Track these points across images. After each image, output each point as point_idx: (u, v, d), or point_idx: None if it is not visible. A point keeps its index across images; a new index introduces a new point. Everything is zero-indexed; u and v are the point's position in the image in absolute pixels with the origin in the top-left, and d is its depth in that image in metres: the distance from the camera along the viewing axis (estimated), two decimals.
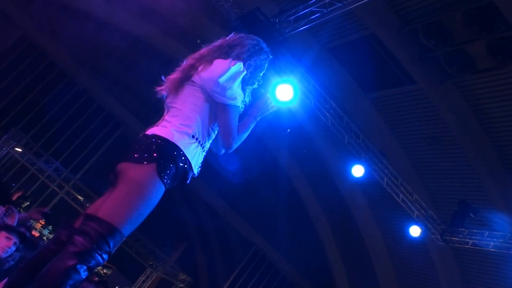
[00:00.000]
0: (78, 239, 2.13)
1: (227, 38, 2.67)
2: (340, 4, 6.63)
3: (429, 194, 10.19)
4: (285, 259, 14.51)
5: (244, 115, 2.70)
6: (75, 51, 13.07)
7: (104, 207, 2.24)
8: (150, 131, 2.42)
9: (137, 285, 14.16)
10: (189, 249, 16.62)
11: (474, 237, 8.73)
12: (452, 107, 8.79)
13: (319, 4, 6.82)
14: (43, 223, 11.32)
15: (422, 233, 9.27)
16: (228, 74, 2.45)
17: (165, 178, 2.28)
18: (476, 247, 8.82)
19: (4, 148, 11.99)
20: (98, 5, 11.27)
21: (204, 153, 2.55)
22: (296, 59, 7.72)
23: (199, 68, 2.52)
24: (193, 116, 2.46)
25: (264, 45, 2.72)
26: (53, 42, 12.96)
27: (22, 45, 12.87)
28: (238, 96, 2.49)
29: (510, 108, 8.22)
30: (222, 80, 2.43)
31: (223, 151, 2.71)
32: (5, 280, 2.40)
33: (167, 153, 2.32)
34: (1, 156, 12.09)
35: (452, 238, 9.10)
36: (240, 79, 2.50)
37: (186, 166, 2.39)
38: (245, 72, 2.53)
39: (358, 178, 8.93)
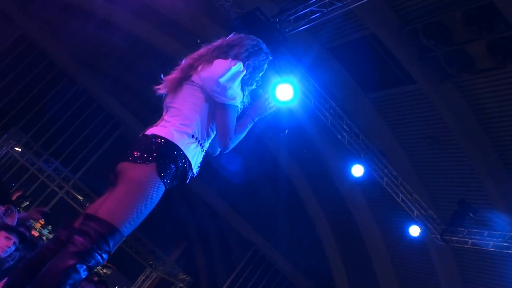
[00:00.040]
0: (78, 238, 2.13)
1: (227, 38, 2.67)
2: (340, 4, 6.63)
3: (429, 194, 10.19)
4: (285, 258, 14.51)
5: (242, 115, 2.69)
6: (75, 50, 13.07)
7: (104, 207, 2.24)
8: (150, 131, 2.42)
9: (137, 285, 14.16)
10: (189, 249, 16.62)
11: (473, 237, 8.73)
12: (452, 107, 8.79)
13: (319, 4, 6.82)
14: (42, 223, 11.33)
15: (421, 232, 9.27)
16: (228, 74, 2.45)
17: (165, 178, 2.28)
18: (476, 247, 8.82)
19: (4, 148, 11.99)
20: (98, 4, 11.27)
21: (203, 153, 2.56)
22: (296, 58, 7.72)
23: (198, 68, 2.52)
24: (192, 116, 2.46)
25: (263, 46, 2.72)
26: (53, 42, 12.96)
27: (22, 45, 12.88)
28: (237, 96, 2.49)
29: (510, 108, 8.22)
30: (222, 80, 2.43)
31: (218, 151, 2.71)
32: (4, 280, 2.40)
33: (167, 153, 2.32)
34: (0, 155, 12.10)
35: (452, 238, 9.10)
36: (239, 79, 2.50)
37: (186, 165, 2.39)
38: (244, 72, 2.53)
39: (358, 178, 8.93)
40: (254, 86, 2.71)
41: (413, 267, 11.73)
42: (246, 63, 2.57)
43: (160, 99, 2.64)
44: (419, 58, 8.52)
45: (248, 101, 2.70)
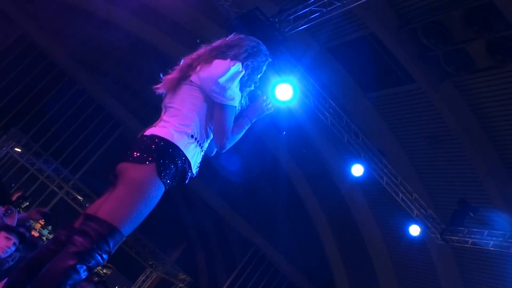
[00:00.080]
0: (78, 239, 2.13)
1: (227, 38, 2.67)
2: (339, 4, 6.63)
3: (429, 193, 10.19)
4: (285, 258, 14.51)
5: (240, 116, 2.69)
6: (74, 50, 13.07)
7: (104, 207, 2.24)
8: (149, 132, 2.42)
9: (137, 285, 14.16)
10: (189, 249, 16.63)
11: (473, 236, 8.74)
12: (451, 106, 8.79)
13: (319, 3, 6.81)
14: (42, 223, 11.33)
15: (421, 232, 9.27)
16: (227, 75, 2.45)
17: (165, 178, 2.28)
18: (476, 246, 8.82)
19: (4, 148, 11.99)
20: (98, 4, 11.27)
21: (202, 153, 2.56)
22: (295, 58, 7.72)
23: (197, 68, 2.52)
24: (192, 116, 2.46)
25: (263, 47, 2.71)
26: (53, 42, 12.96)
27: (22, 45, 12.87)
28: (236, 97, 2.49)
29: (509, 107, 8.22)
30: (221, 80, 2.43)
31: (215, 151, 2.71)
32: (4, 280, 2.40)
33: (167, 153, 2.32)
34: (0, 156, 12.09)
35: (452, 237, 9.10)
36: (238, 79, 2.50)
37: (185, 166, 2.40)
38: (243, 73, 2.53)
39: (357, 177, 8.93)
40: (252, 87, 2.71)
41: (413, 266, 11.73)
42: (245, 63, 2.57)
43: (160, 99, 2.65)
44: (419, 58, 8.52)
45: (246, 102, 2.70)
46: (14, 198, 10.46)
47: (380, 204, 11.35)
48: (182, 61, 2.64)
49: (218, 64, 2.49)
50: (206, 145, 2.56)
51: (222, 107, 2.47)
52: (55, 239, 2.38)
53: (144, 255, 13.65)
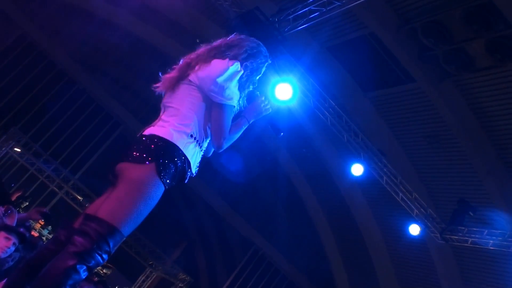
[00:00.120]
0: (78, 239, 2.13)
1: (227, 38, 2.67)
2: (338, 3, 6.62)
3: (429, 193, 10.19)
4: (285, 258, 14.51)
5: (237, 116, 2.69)
6: (74, 50, 13.06)
7: (104, 207, 2.24)
8: (148, 131, 2.41)
9: (137, 285, 14.16)
10: (189, 249, 16.63)
11: (473, 236, 8.74)
12: (451, 105, 8.79)
13: (318, 3, 6.81)
14: (42, 223, 11.32)
15: (421, 231, 9.28)
16: (226, 74, 2.45)
17: (165, 178, 2.28)
18: (476, 246, 8.83)
19: (3, 148, 11.98)
20: (98, 4, 11.27)
21: (202, 153, 2.56)
22: (295, 58, 7.72)
23: (196, 67, 2.52)
24: (191, 116, 2.45)
25: (263, 48, 2.71)
26: (53, 42, 12.96)
27: (22, 45, 12.86)
28: (234, 96, 2.49)
29: (509, 107, 8.22)
30: (220, 79, 2.43)
31: (212, 152, 2.71)
32: (4, 281, 2.40)
33: (166, 153, 2.32)
34: (0, 156, 12.08)
35: (452, 237, 9.11)
36: (237, 79, 2.50)
37: (185, 165, 2.40)
38: (242, 72, 2.53)
39: (357, 177, 8.94)
40: (250, 88, 2.71)
41: (413, 266, 11.74)
42: (244, 64, 2.57)
43: (160, 99, 2.64)
44: (419, 57, 8.51)
45: (244, 103, 2.70)
46: (13, 198, 10.46)
47: (380, 204, 11.35)
48: (181, 60, 2.64)
49: (217, 64, 2.49)
50: (205, 144, 2.56)
51: (221, 107, 2.46)
52: (55, 239, 2.39)
53: (144, 255, 13.65)
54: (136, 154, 2.30)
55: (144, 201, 2.23)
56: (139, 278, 14.25)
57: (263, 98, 2.76)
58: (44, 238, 10.87)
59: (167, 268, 14.04)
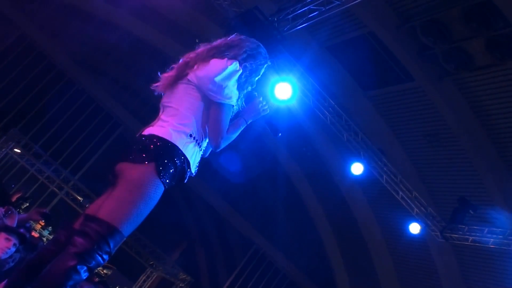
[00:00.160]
0: (78, 239, 2.13)
1: (228, 38, 2.66)
2: (338, 2, 6.62)
3: (429, 191, 10.19)
4: (285, 257, 14.51)
5: (235, 117, 2.68)
6: (74, 51, 13.06)
7: (104, 207, 2.24)
8: (147, 131, 2.41)
9: (138, 285, 14.17)
10: (190, 249, 16.63)
11: (474, 234, 8.74)
12: (451, 104, 8.79)
13: (317, 2, 6.81)
14: (43, 224, 11.32)
15: (422, 230, 9.28)
16: (224, 73, 2.45)
17: (164, 178, 2.28)
18: (476, 244, 8.83)
19: (3, 150, 11.98)
20: (97, 4, 11.26)
21: (201, 152, 2.55)
22: (294, 57, 7.71)
23: (195, 67, 2.52)
24: (190, 115, 2.45)
25: (263, 50, 2.71)
26: (52, 42, 12.95)
27: (21, 45, 12.86)
28: (233, 95, 2.49)
29: (509, 105, 8.22)
30: (218, 79, 2.43)
31: (209, 151, 2.70)
32: (5, 282, 2.40)
33: (166, 153, 2.32)
34: (0, 157, 12.08)
35: (452, 235, 9.11)
36: (236, 78, 2.50)
37: (184, 165, 2.39)
38: (241, 71, 2.52)
39: (357, 176, 8.94)
40: (249, 89, 2.70)
41: (414, 264, 11.74)
42: (243, 65, 2.56)
43: (159, 98, 2.64)
44: (418, 56, 8.51)
45: (242, 104, 2.69)
46: (14, 199, 10.45)
47: (380, 203, 11.35)
48: (181, 59, 2.64)
49: (215, 63, 2.49)
50: (204, 144, 2.55)
51: (219, 106, 2.46)
52: (55, 240, 2.39)
53: (144, 255, 13.66)
54: (135, 154, 2.30)
55: (144, 201, 2.23)
56: (140, 278, 14.25)
57: (261, 99, 2.76)
58: (44, 239, 10.86)
59: (167, 268, 14.05)
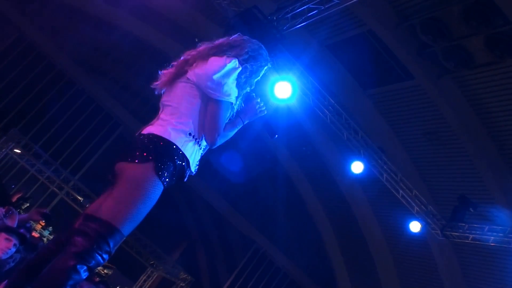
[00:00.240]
0: (78, 239, 2.13)
1: (230, 38, 2.66)
2: (337, 1, 6.62)
3: (429, 190, 10.19)
4: (286, 256, 14.52)
5: (232, 117, 2.68)
6: (74, 51, 13.05)
7: (104, 207, 2.24)
8: (146, 130, 2.41)
9: (138, 285, 14.17)
10: (190, 248, 16.64)
11: (474, 232, 8.74)
12: (451, 102, 8.79)
13: (316, 1, 6.81)
14: (43, 224, 11.32)
15: (422, 228, 9.28)
16: (223, 71, 2.45)
17: (163, 177, 2.28)
18: (477, 242, 8.83)
19: (3, 150, 11.97)
20: (97, 5, 11.26)
21: (201, 151, 2.55)
22: (294, 56, 7.71)
23: (194, 64, 2.52)
24: (189, 114, 2.45)
25: (265, 52, 2.70)
26: (52, 42, 12.94)
27: (21, 45, 12.84)
28: (232, 93, 2.49)
29: (509, 103, 8.22)
30: (216, 76, 2.43)
31: (207, 148, 2.70)
32: (5, 282, 2.40)
33: (165, 152, 2.32)
34: (0, 157, 12.08)
35: (453, 233, 9.11)
36: (235, 76, 2.49)
37: (184, 164, 2.39)
38: (240, 69, 2.52)
39: (357, 174, 8.93)
40: (248, 89, 2.70)
41: (414, 263, 11.74)
42: (244, 65, 2.56)
43: (159, 98, 2.64)
44: (417, 54, 8.51)
45: (241, 104, 2.69)
46: (14, 199, 10.47)
47: (381, 201, 11.35)
48: (182, 57, 2.64)
49: (214, 61, 2.48)
50: (204, 143, 2.55)
51: (217, 103, 2.45)
52: (55, 240, 2.39)
53: (145, 255, 13.66)
54: (134, 154, 2.30)
55: (143, 200, 2.22)
56: (141, 278, 14.26)
57: (258, 100, 2.75)
58: (45, 239, 10.86)
59: (168, 267, 14.05)
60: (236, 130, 2.65)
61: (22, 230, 4.37)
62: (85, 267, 2.09)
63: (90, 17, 11.49)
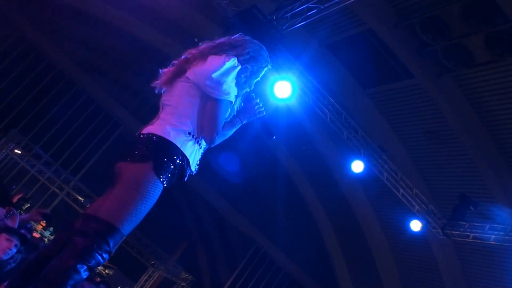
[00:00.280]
0: (78, 239, 2.14)
1: (232, 37, 2.66)
2: (336, 0, 6.62)
3: (429, 188, 10.19)
4: (287, 256, 14.52)
5: (231, 117, 2.68)
6: (74, 51, 13.06)
7: (104, 207, 2.24)
8: (146, 130, 2.41)
9: (139, 285, 14.18)
10: (191, 248, 16.63)
11: (475, 231, 8.74)
12: (451, 101, 8.79)
13: (316, 0, 6.81)
14: (44, 224, 11.32)
15: (423, 227, 9.27)
16: (222, 70, 2.45)
17: (163, 176, 2.28)
18: (477, 240, 8.83)
19: (4, 151, 11.97)
20: (96, 5, 11.26)
21: (201, 150, 2.55)
22: (294, 55, 7.72)
23: (193, 63, 2.52)
24: (188, 113, 2.45)
25: (265, 53, 2.70)
26: (52, 43, 12.95)
27: (21, 46, 12.85)
28: (231, 91, 2.48)
29: (508, 101, 8.22)
30: (215, 75, 2.43)
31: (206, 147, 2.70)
32: (6, 282, 2.41)
33: (164, 151, 2.32)
34: (0, 158, 12.08)
35: (453, 232, 9.10)
36: (234, 74, 2.49)
37: (183, 163, 2.39)
38: (239, 67, 2.52)
39: (358, 173, 8.93)
40: (247, 90, 2.70)
41: (415, 261, 11.74)
42: (245, 66, 2.56)
43: (159, 98, 2.64)
44: (417, 53, 8.51)
45: (240, 104, 2.69)
46: (15, 200, 10.46)
47: (381, 200, 11.36)
48: (183, 56, 2.64)
49: (213, 60, 2.49)
50: (204, 142, 2.55)
51: (216, 101, 2.45)
52: (56, 240, 2.39)
53: (145, 254, 13.67)
54: (134, 153, 2.30)
55: (143, 199, 2.23)
56: (141, 278, 14.26)
57: (258, 101, 2.76)
58: (45, 240, 10.87)
59: (169, 267, 14.06)
60: (234, 130, 2.66)
61: (23, 231, 4.38)
62: (85, 267, 2.10)
63: (90, 17, 11.49)
